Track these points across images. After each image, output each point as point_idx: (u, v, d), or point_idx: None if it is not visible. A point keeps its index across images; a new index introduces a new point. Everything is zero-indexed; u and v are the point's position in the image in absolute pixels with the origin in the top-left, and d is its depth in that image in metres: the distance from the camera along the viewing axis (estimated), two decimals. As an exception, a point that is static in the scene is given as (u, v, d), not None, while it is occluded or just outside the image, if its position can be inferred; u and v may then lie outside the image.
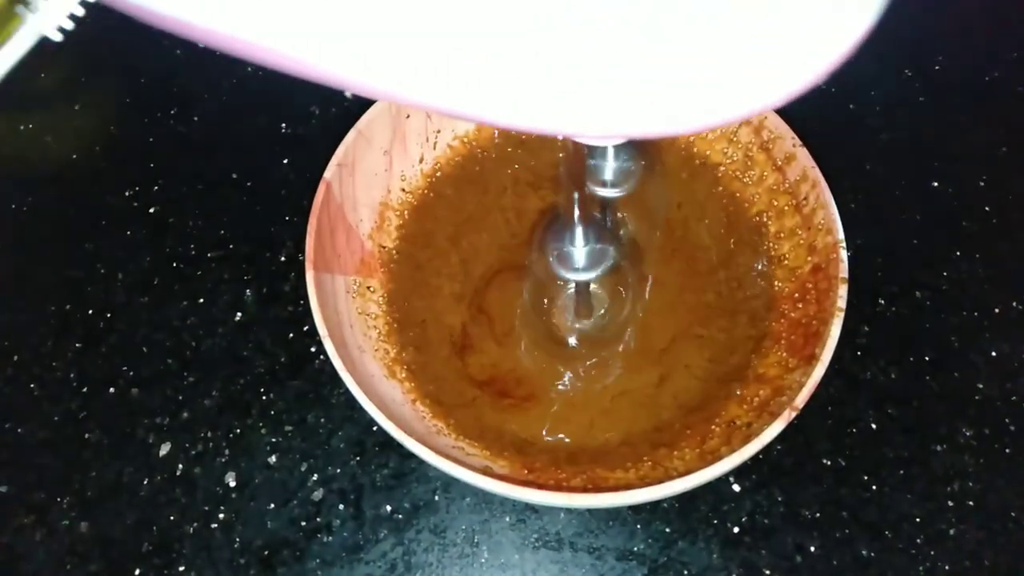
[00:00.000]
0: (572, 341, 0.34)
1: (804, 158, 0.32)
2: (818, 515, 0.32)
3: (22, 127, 0.44)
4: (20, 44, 0.19)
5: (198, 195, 0.41)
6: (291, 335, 0.37)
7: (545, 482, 0.29)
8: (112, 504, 0.33)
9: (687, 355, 0.34)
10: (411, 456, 0.27)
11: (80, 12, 0.19)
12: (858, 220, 0.37)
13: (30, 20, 0.18)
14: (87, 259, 0.39)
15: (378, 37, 0.14)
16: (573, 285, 0.34)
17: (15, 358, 0.37)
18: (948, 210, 0.40)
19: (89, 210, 0.41)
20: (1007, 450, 0.33)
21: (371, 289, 0.34)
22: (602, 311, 0.35)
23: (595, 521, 0.32)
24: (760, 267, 0.34)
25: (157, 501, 0.33)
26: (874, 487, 0.32)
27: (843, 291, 0.29)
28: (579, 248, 0.28)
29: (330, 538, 0.32)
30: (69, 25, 0.19)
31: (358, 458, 0.34)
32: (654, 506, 0.32)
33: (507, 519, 0.32)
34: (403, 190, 0.36)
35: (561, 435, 0.32)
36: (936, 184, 0.41)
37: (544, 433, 0.32)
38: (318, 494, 0.33)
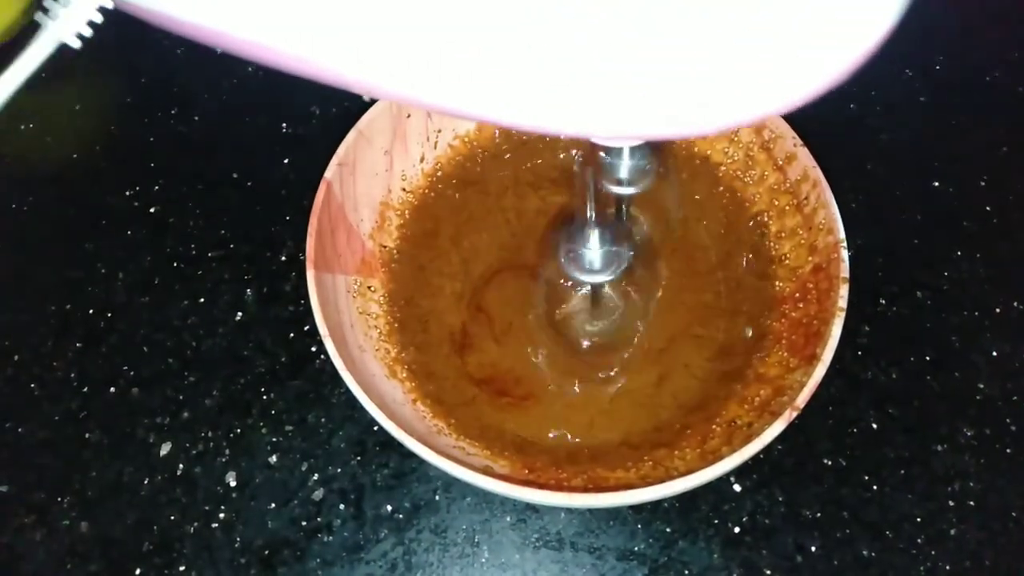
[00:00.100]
0: (585, 344, 0.34)
1: (805, 158, 0.32)
2: (819, 515, 0.32)
3: (22, 127, 0.44)
4: (40, 51, 0.19)
5: (198, 195, 0.41)
6: (292, 335, 0.37)
7: (546, 482, 0.29)
8: (112, 504, 0.33)
9: (686, 355, 0.34)
10: (412, 456, 0.27)
11: (99, 19, 0.19)
12: (859, 220, 0.37)
13: (50, 27, 0.18)
14: (87, 259, 0.39)
15: (371, 30, 0.14)
16: (587, 287, 0.34)
17: (15, 358, 0.36)
18: (949, 210, 0.40)
19: (89, 210, 0.41)
20: (1008, 450, 0.33)
21: (372, 289, 0.34)
22: (616, 314, 0.34)
23: (596, 521, 0.32)
24: (761, 267, 0.34)
25: (157, 501, 0.33)
26: (875, 487, 0.32)
27: (844, 291, 0.29)
28: (594, 250, 0.28)
29: (331, 538, 0.32)
30: (88, 32, 0.19)
31: (359, 458, 0.34)
32: (655, 506, 0.32)
33: (508, 519, 0.32)
34: (404, 190, 0.36)
35: (561, 435, 0.32)
36: (937, 184, 0.41)
37: (544, 433, 0.32)
38: (319, 494, 0.33)
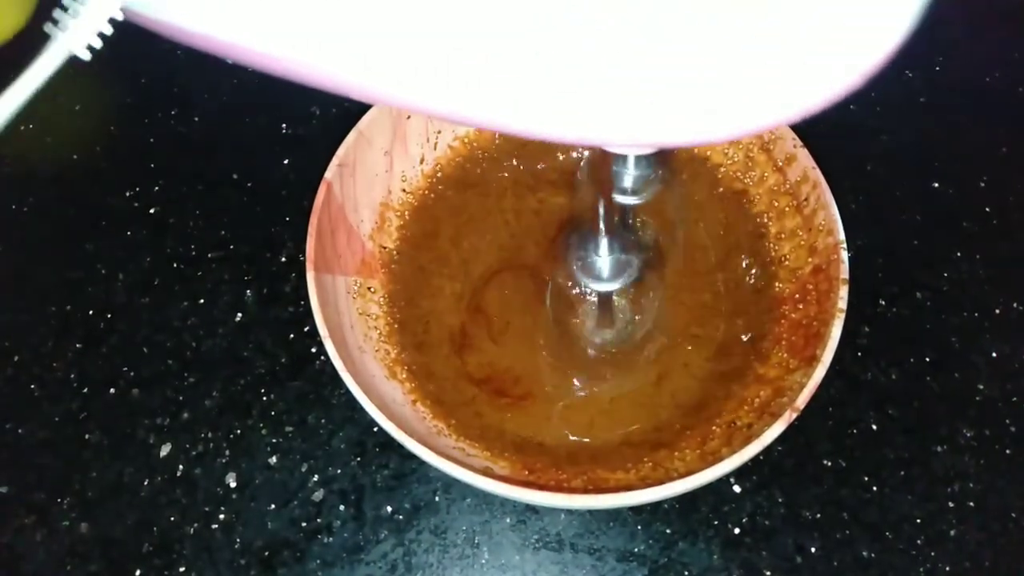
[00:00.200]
0: (590, 351, 0.34)
1: (805, 159, 0.32)
2: (819, 516, 0.32)
3: (22, 127, 0.44)
4: (49, 63, 0.19)
5: (198, 195, 0.41)
6: (292, 336, 0.37)
7: (546, 483, 0.29)
8: (112, 504, 0.33)
9: (685, 355, 0.34)
10: (412, 457, 0.27)
11: (109, 31, 0.19)
12: (859, 221, 0.37)
13: (60, 38, 0.18)
14: (87, 259, 0.39)
15: (378, 37, 0.14)
16: (595, 295, 0.33)
17: (15, 358, 0.36)
18: (948, 210, 0.40)
19: (89, 210, 0.41)
20: (1007, 451, 0.33)
21: (372, 290, 0.34)
22: (622, 322, 0.34)
23: (596, 522, 0.32)
24: (760, 268, 0.34)
25: (157, 502, 0.33)
26: (875, 488, 0.32)
27: (844, 292, 0.29)
28: (603, 258, 0.28)
29: (330, 539, 0.32)
30: (98, 44, 0.19)
31: (359, 459, 0.34)
32: (655, 507, 0.32)
33: (508, 520, 0.32)
34: (404, 191, 0.36)
35: (561, 435, 0.32)
36: (936, 185, 0.41)
37: (544, 433, 0.32)
38: (319, 495, 0.33)
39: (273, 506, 0.33)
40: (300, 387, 0.35)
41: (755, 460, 0.26)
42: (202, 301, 0.38)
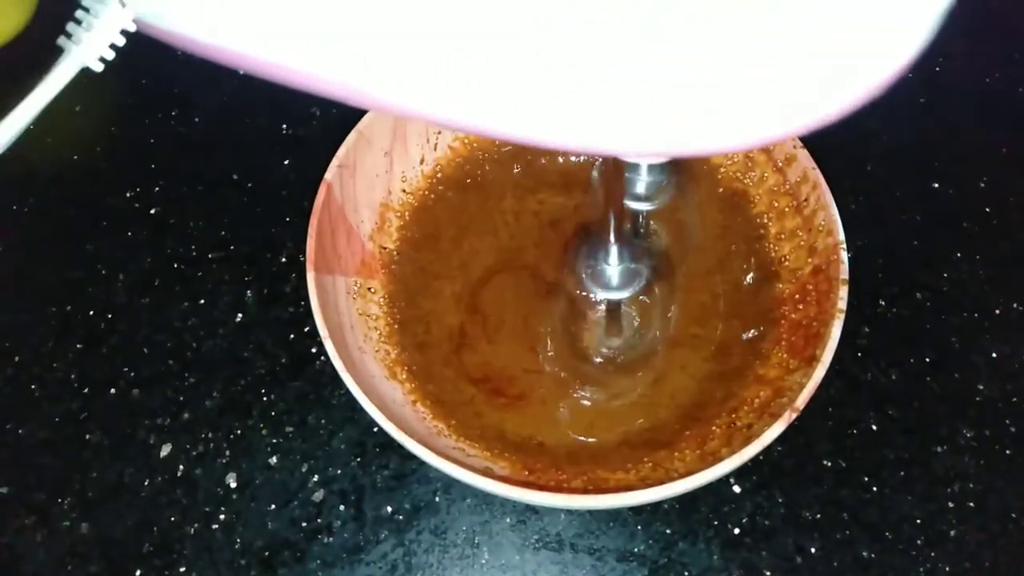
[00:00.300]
0: (597, 359, 0.34)
1: (805, 159, 0.32)
2: (819, 516, 0.32)
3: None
4: (63, 75, 0.19)
5: (199, 196, 0.41)
6: (292, 336, 0.37)
7: (546, 483, 0.29)
8: (113, 505, 0.33)
9: (684, 355, 0.34)
10: (412, 457, 0.27)
11: (122, 42, 0.19)
12: (859, 221, 0.37)
13: (73, 52, 0.18)
14: (88, 260, 0.39)
15: (380, 37, 0.14)
16: (605, 304, 0.33)
17: (16, 358, 0.37)
18: (948, 211, 0.40)
19: (90, 211, 0.41)
20: (1007, 451, 0.33)
21: (372, 290, 0.34)
22: (633, 332, 0.34)
23: (596, 522, 0.32)
24: (760, 268, 0.34)
25: (158, 502, 0.33)
26: (875, 488, 0.32)
27: (844, 292, 0.29)
28: (613, 266, 0.28)
29: (331, 539, 0.32)
30: (111, 55, 0.19)
31: (359, 459, 0.34)
32: (655, 507, 0.32)
33: (508, 520, 0.32)
34: (404, 191, 0.36)
35: (560, 435, 0.32)
36: (936, 185, 0.41)
37: (543, 433, 0.32)
38: (319, 495, 0.33)
39: (273, 506, 0.33)
40: (300, 387, 0.35)
41: (755, 460, 0.26)
42: (202, 301, 0.38)
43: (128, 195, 0.41)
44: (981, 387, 0.35)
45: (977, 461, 0.33)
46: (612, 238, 0.27)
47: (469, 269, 0.36)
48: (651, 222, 0.35)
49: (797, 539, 0.31)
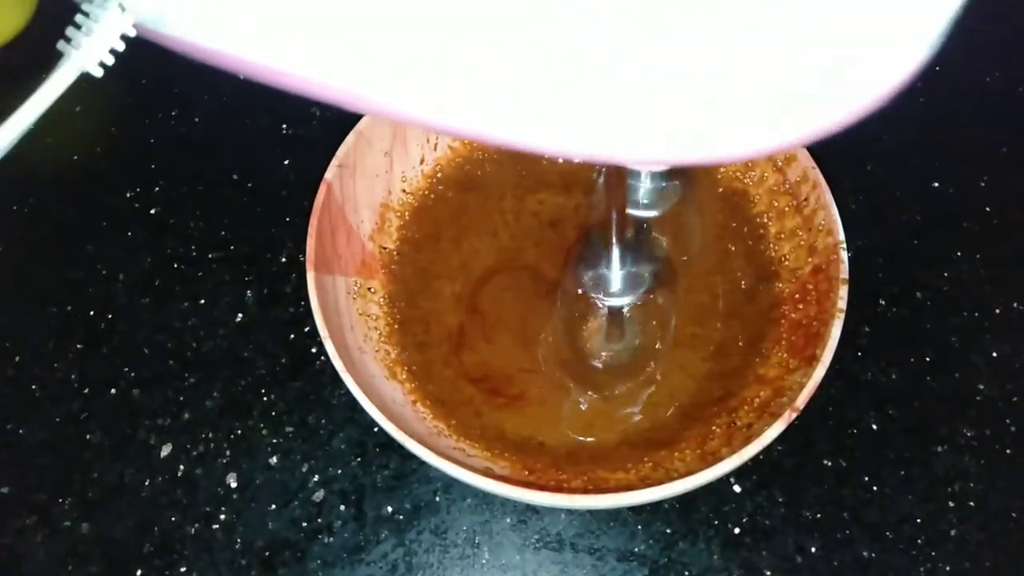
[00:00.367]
0: (597, 364, 0.34)
1: (805, 159, 0.32)
2: (819, 516, 0.32)
3: (23, 128, 0.44)
4: (62, 80, 0.19)
5: (199, 196, 0.41)
6: (292, 336, 0.37)
7: (546, 483, 0.29)
8: (113, 505, 0.33)
9: (684, 355, 0.34)
10: (412, 457, 0.27)
11: (121, 47, 0.19)
12: (859, 221, 0.37)
13: (73, 56, 0.18)
14: (88, 260, 0.39)
15: (377, 29, 0.14)
16: (606, 309, 0.33)
17: (16, 359, 0.37)
18: (948, 210, 0.40)
19: (90, 211, 0.41)
20: (1008, 451, 0.33)
21: (372, 290, 0.34)
22: (632, 336, 0.34)
23: (596, 522, 0.32)
24: (760, 268, 0.34)
25: (158, 502, 0.33)
26: (875, 488, 0.32)
27: (844, 292, 0.29)
28: (615, 272, 0.28)
29: (331, 539, 0.32)
30: (110, 60, 0.19)
31: (359, 459, 0.34)
32: (655, 507, 0.32)
33: (508, 520, 0.32)
34: (404, 191, 0.36)
35: (560, 435, 0.32)
36: (936, 184, 0.41)
37: (543, 433, 0.32)
38: (319, 495, 0.33)
39: (274, 506, 0.33)
40: (300, 387, 0.35)
41: (755, 460, 0.26)
42: (202, 302, 0.38)
43: (128, 195, 0.41)
44: (981, 387, 0.35)
45: (977, 461, 0.33)
46: (614, 244, 0.27)
47: (469, 269, 0.36)
48: (652, 227, 0.35)
49: (797, 539, 0.31)
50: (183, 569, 0.31)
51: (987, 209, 0.40)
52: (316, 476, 0.33)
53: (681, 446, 0.30)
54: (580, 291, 0.28)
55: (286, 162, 0.42)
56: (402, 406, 0.30)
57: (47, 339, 0.37)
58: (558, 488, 0.29)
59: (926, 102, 0.44)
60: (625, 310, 0.33)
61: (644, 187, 0.26)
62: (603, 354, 0.33)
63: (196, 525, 0.32)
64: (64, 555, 0.32)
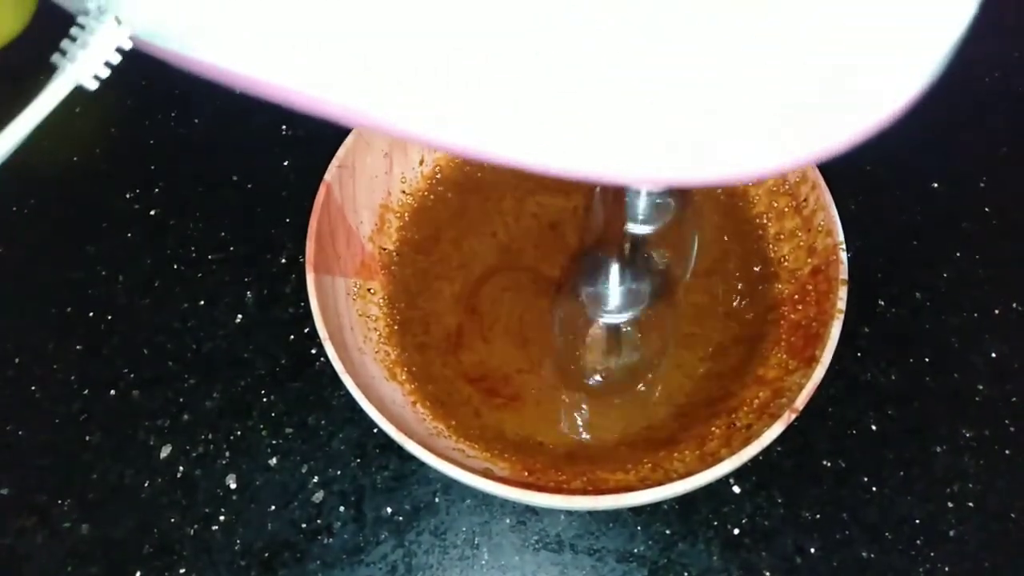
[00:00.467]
0: (595, 379, 0.34)
1: (804, 160, 0.32)
2: (818, 517, 0.32)
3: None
4: (56, 93, 0.19)
5: (199, 197, 0.41)
6: (292, 337, 0.37)
7: (545, 484, 0.29)
8: (113, 506, 0.33)
9: (682, 356, 0.34)
10: (411, 458, 0.27)
11: (117, 60, 0.19)
12: (858, 221, 0.37)
13: (67, 69, 0.18)
14: (88, 261, 0.39)
15: (375, 39, 0.14)
16: (604, 325, 0.33)
17: (16, 360, 0.37)
18: (948, 211, 0.40)
19: (90, 212, 0.41)
20: (1007, 451, 0.33)
21: (371, 291, 0.34)
22: (631, 353, 0.34)
23: (595, 523, 0.32)
24: (759, 269, 0.34)
25: (158, 503, 0.33)
26: (874, 488, 0.32)
27: (843, 293, 0.29)
28: (613, 288, 0.28)
29: (331, 540, 0.32)
30: (105, 73, 0.19)
31: (359, 460, 0.34)
32: (654, 508, 0.32)
33: (507, 521, 0.32)
34: (403, 192, 0.36)
35: (559, 436, 0.32)
36: (936, 185, 0.41)
37: (542, 434, 0.32)
38: (319, 496, 0.33)
39: (273, 507, 0.33)
40: (300, 388, 0.35)
41: (754, 461, 0.26)
42: (202, 303, 0.38)
43: (128, 196, 0.41)
44: (981, 387, 0.35)
45: (977, 461, 0.33)
46: (613, 261, 0.27)
47: (468, 270, 0.36)
48: (651, 242, 0.35)
49: (797, 539, 0.31)
50: (182, 570, 0.31)
51: (986, 209, 0.40)
52: (316, 477, 0.33)
53: (680, 447, 0.30)
54: (579, 307, 0.28)
55: (286, 163, 0.42)
56: (402, 407, 0.30)
57: (47, 340, 0.37)
58: (557, 489, 0.29)
59: (925, 102, 0.44)
60: (623, 326, 0.33)
61: (643, 202, 0.26)
62: (601, 369, 0.33)
63: (196, 526, 0.32)
64: (64, 556, 0.32)
